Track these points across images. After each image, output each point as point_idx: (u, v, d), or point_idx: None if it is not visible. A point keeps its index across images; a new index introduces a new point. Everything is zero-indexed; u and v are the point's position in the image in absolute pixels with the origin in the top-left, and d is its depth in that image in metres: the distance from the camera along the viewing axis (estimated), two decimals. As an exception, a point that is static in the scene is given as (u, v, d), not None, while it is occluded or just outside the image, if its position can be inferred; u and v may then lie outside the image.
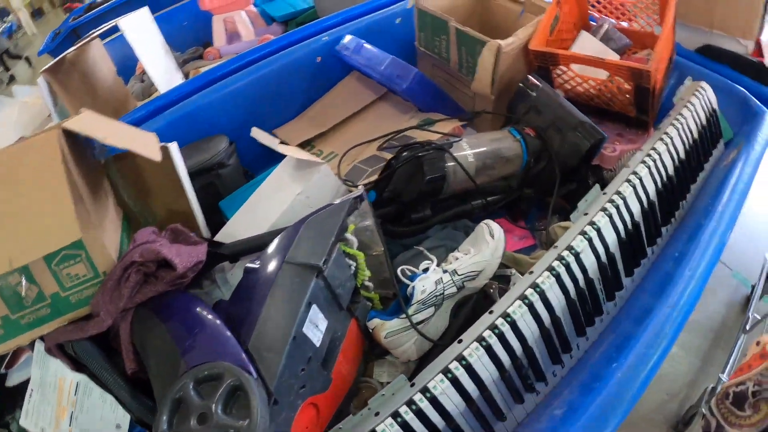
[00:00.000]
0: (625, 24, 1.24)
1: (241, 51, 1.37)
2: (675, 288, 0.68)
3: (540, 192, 0.99)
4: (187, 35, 1.79)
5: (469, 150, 0.90)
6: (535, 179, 0.99)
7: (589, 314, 0.73)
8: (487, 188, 0.98)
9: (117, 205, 0.85)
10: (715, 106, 1.06)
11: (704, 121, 1.00)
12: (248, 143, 1.17)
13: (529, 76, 1.03)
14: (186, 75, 1.62)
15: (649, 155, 0.86)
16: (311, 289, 0.63)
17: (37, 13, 7.11)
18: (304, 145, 1.18)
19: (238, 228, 0.92)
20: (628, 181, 0.80)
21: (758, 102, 1.09)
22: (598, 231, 0.73)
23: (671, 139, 0.90)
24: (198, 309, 0.63)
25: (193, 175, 0.98)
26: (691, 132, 0.95)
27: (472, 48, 1.07)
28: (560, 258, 0.68)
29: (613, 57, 1.16)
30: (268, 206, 0.94)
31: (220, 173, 1.14)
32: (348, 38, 1.18)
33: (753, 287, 1.46)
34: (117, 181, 0.86)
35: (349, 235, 0.79)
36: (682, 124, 0.93)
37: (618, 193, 0.78)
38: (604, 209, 0.75)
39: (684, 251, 0.76)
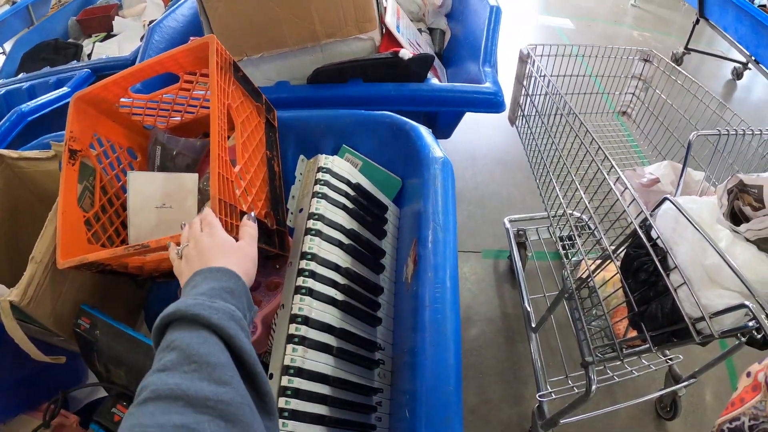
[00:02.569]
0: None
1: None
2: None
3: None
4: None
5: None
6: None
7: None
8: None
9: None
10: (354, 177, 0.78)
11: (340, 220, 0.71)
12: None
13: (79, 319, 0.62)
14: None
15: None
16: None
17: None
18: None
19: None
20: None
21: (406, 120, 0.86)
22: None
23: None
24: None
25: None
26: (321, 259, 0.66)
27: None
28: None
29: (188, 178, 0.80)
30: None
31: None
32: None
33: (510, 257, 1.35)
34: None
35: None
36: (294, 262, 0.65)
37: None
38: None
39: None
